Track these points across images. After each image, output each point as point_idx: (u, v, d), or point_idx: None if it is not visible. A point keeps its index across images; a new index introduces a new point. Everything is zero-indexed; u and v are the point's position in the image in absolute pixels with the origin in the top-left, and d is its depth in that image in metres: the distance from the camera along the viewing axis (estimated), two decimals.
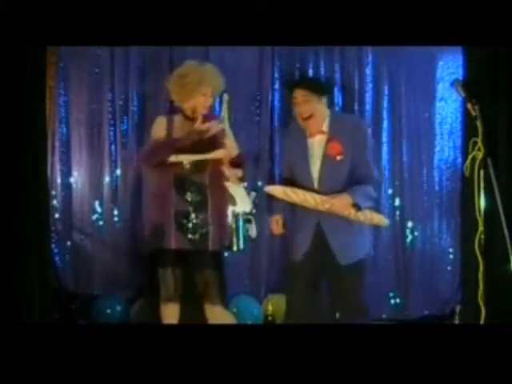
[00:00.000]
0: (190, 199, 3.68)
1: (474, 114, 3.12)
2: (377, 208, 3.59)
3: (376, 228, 5.06)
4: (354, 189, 3.36)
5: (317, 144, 3.50)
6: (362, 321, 3.48)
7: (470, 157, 3.13)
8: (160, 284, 3.73)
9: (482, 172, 3.05)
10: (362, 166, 3.46)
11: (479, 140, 3.06)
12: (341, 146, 3.42)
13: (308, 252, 3.50)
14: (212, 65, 3.85)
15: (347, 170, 3.45)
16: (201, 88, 3.64)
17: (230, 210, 4.83)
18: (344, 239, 3.44)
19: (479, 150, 3.05)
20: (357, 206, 3.36)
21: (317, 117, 3.46)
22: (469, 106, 3.14)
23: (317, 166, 3.48)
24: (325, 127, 3.49)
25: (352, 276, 3.49)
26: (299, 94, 3.46)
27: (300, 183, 3.53)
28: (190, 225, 3.67)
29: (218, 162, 3.73)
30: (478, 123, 3.08)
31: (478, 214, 3.11)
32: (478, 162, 3.07)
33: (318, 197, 3.40)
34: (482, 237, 3.07)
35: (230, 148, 3.76)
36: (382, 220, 3.60)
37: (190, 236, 3.67)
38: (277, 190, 3.53)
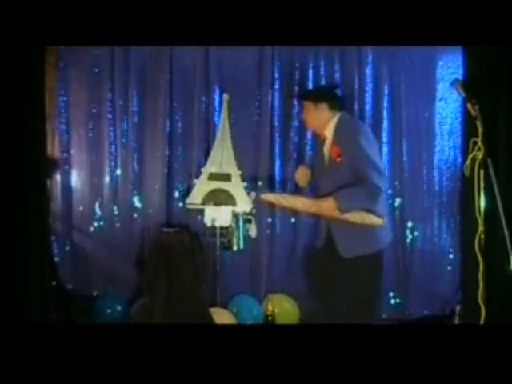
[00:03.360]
0: None
1: (474, 113, 3.12)
2: (371, 209, 3.58)
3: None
4: (339, 192, 3.55)
5: (326, 147, 3.77)
6: (365, 315, 3.58)
7: (470, 157, 3.14)
8: None
9: (481, 172, 3.06)
10: (357, 168, 3.57)
11: (479, 140, 3.06)
12: (340, 148, 3.61)
13: (323, 245, 3.78)
14: None
15: (347, 171, 3.59)
16: None
17: (230, 210, 4.87)
18: (344, 233, 3.61)
19: (479, 149, 3.05)
20: (339, 209, 3.53)
21: (315, 125, 3.76)
22: (469, 105, 3.14)
23: (326, 165, 3.76)
24: (327, 132, 3.73)
25: (356, 270, 3.60)
26: (304, 104, 3.82)
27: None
28: None
29: None
30: (478, 123, 3.08)
31: (477, 213, 3.11)
32: (477, 161, 3.07)
33: (306, 201, 3.71)
34: (482, 237, 3.07)
35: None
36: (374, 220, 3.66)
37: None
38: (270, 197, 3.87)
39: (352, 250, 3.61)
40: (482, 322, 3.15)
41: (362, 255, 3.59)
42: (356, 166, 3.56)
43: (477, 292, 3.16)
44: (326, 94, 3.79)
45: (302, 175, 3.92)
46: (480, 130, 3.09)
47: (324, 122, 3.72)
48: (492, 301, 3.24)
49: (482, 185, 3.09)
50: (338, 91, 4.17)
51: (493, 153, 4.11)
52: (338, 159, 3.63)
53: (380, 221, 3.69)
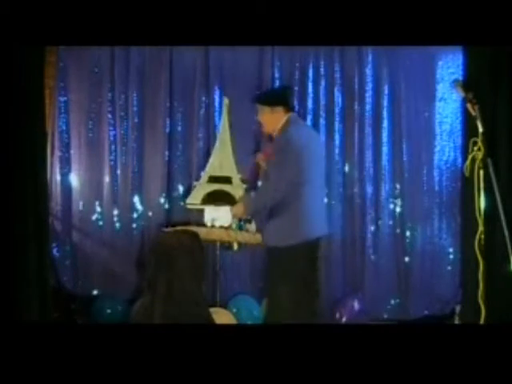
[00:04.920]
0: None
1: (473, 113, 3.12)
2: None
3: (376, 228, 5.11)
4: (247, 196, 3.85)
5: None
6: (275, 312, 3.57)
7: (470, 157, 3.13)
8: None
9: (481, 172, 3.05)
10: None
11: (479, 140, 3.06)
12: (271, 149, 3.65)
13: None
14: None
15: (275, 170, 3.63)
16: None
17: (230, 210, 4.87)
18: (267, 223, 3.66)
19: (479, 150, 3.05)
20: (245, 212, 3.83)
21: (267, 126, 3.76)
22: (468, 105, 3.14)
23: None
24: (274, 133, 3.74)
25: (270, 259, 3.63)
26: (258, 107, 3.79)
27: None
28: None
29: None
30: (478, 123, 3.08)
31: (477, 213, 3.10)
32: (477, 162, 3.07)
33: None
34: (482, 237, 3.07)
35: None
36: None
37: None
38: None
39: (272, 239, 3.62)
40: (481, 321, 3.14)
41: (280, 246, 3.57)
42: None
43: (477, 292, 3.15)
44: (280, 97, 3.78)
45: (236, 207, 3.92)
46: (480, 129, 3.08)
47: (273, 124, 3.72)
48: (492, 301, 3.24)
49: (481, 185, 3.08)
50: (291, 92, 4.21)
51: (493, 153, 4.12)
52: (270, 158, 3.66)
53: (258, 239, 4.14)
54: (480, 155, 3.05)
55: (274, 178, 3.58)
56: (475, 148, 3.08)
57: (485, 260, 3.09)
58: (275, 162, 3.57)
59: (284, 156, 3.54)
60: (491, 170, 3.03)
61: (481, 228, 3.07)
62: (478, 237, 3.08)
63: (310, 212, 3.62)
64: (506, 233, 3.02)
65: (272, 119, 3.72)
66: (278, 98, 3.81)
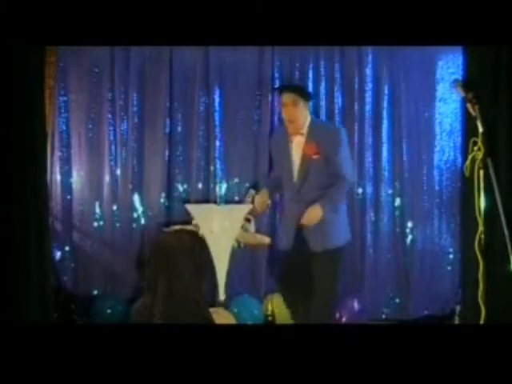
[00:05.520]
0: None
1: (473, 114, 3.12)
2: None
3: (376, 228, 5.11)
4: (324, 199, 3.66)
5: (296, 144, 3.78)
6: (324, 311, 3.66)
7: (470, 157, 3.14)
8: None
9: (481, 172, 3.05)
10: (334, 165, 3.69)
11: (479, 140, 3.06)
12: (316, 146, 3.68)
13: (292, 243, 3.78)
14: None
15: (323, 168, 3.70)
16: None
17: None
18: (317, 227, 3.65)
19: (479, 149, 3.05)
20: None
21: (300, 120, 3.74)
22: (468, 105, 3.15)
23: (296, 164, 3.77)
24: (304, 130, 3.76)
25: (325, 263, 3.67)
26: (288, 97, 3.73)
27: (282, 178, 3.89)
28: None
29: None
30: (478, 123, 3.08)
31: (477, 213, 3.10)
32: (477, 162, 3.07)
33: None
34: (482, 237, 3.07)
35: None
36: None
37: None
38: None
39: (323, 244, 3.67)
40: (481, 321, 3.15)
41: (330, 249, 3.68)
42: (334, 164, 3.68)
43: (477, 292, 3.16)
44: (313, 96, 3.88)
45: (262, 201, 3.93)
46: (480, 129, 3.09)
47: (305, 120, 3.76)
48: (492, 301, 3.24)
49: (481, 185, 3.09)
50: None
51: (493, 153, 4.12)
52: (314, 156, 3.69)
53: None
54: (480, 155, 3.06)
55: (343, 171, 3.67)
56: (475, 148, 3.08)
57: (485, 260, 3.10)
58: (335, 155, 3.65)
59: (344, 148, 3.72)
60: (491, 170, 3.03)
61: (481, 228, 3.07)
62: (478, 237, 3.08)
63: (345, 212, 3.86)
64: (506, 232, 3.02)
65: (304, 115, 3.75)
66: (307, 93, 3.95)
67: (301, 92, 3.81)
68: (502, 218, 3.04)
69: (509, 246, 3.04)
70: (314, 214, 3.62)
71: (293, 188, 3.80)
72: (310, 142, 3.71)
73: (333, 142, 3.71)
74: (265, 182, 4.26)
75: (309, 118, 3.79)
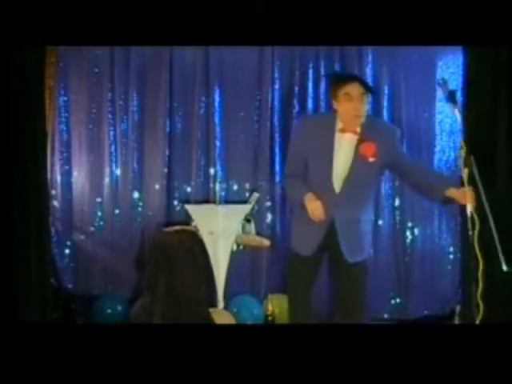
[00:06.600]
0: None
1: (455, 114, 3.14)
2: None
3: (376, 228, 5.10)
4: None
5: (347, 141, 3.39)
6: (357, 320, 3.49)
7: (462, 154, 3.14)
8: None
9: (465, 170, 3.06)
10: (396, 167, 3.50)
11: (462, 139, 3.08)
12: (376, 148, 3.35)
13: (318, 248, 3.46)
14: None
15: (376, 172, 3.47)
16: None
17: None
18: (354, 238, 3.44)
19: (462, 148, 3.06)
20: None
21: (363, 116, 3.37)
22: (451, 105, 3.15)
23: (341, 162, 3.39)
24: (358, 127, 3.40)
25: (358, 274, 3.50)
26: (356, 89, 3.33)
27: (314, 177, 3.45)
28: None
29: None
30: (461, 123, 3.10)
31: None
32: (461, 160, 3.07)
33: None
34: (476, 233, 3.07)
35: None
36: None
37: None
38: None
39: (358, 255, 3.48)
40: (481, 321, 3.14)
41: (364, 259, 3.53)
42: (393, 166, 3.48)
43: (477, 292, 3.15)
44: (372, 87, 3.55)
45: (318, 208, 3.33)
46: (462, 129, 3.11)
47: (364, 114, 3.39)
48: (492, 301, 3.24)
49: (465, 182, 3.10)
50: None
51: (493, 153, 4.13)
52: (371, 158, 3.34)
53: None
54: (463, 154, 3.07)
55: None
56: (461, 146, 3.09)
57: (484, 260, 3.09)
58: (398, 149, 3.48)
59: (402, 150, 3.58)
60: (474, 168, 3.04)
61: (477, 227, 3.07)
62: (474, 234, 3.07)
63: None
64: (494, 231, 3.02)
65: (364, 106, 3.37)
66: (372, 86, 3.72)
67: (367, 84, 3.47)
68: (489, 215, 3.04)
69: (497, 243, 3.03)
70: (467, 195, 3.10)
71: (331, 190, 3.38)
72: (368, 142, 3.35)
73: (390, 143, 3.40)
74: (294, 181, 3.54)
75: (365, 115, 3.41)
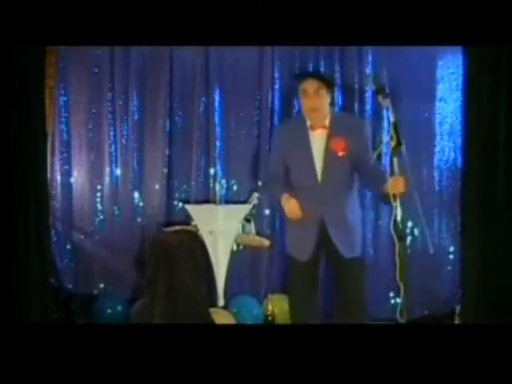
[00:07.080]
0: None
1: (385, 105, 3.20)
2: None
3: (376, 228, 5.10)
4: None
5: (318, 138, 3.55)
6: (359, 317, 3.55)
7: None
8: None
9: (395, 160, 3.13)
10: (364, 163, 3.51)
11: (391, 129, 3.13)
12: (344, 142, 3.48)
13: (314, 250, 3.55)
14: None
15: (348, 166, 3.52)
16: None
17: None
18: (345, 232, 3.53)
19: (391, 138, 3.13)
20: None
21: (323, 110, 3.52)
22: (380, 97, 3.21)
23: (319, 159, 3.52)
24: (327, 122, 3.55)
25: (356, 270, 3.57)
26: (311, 85, 3.50)
27: (297, 178, 3.59)
28: None
29: None
30: (390, 114, 3.15)
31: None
32: (390, 149, 3.14)
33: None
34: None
35: None
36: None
37: None
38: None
39: (353, 250, 3.58)
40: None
41: (359, 255, 3.62)
42: (364, 162, 3.51)
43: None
44: (331, 81, 3.69)
45: (294, 207, 3.46)
46: (391, 119, 3.17)
47: (328, 111, 3.56)
48: (492, 301, 3.24)
49: (396, 171, 3.16)
50: None
51: (493, 153, 4.13)
52: (341, 153, 3.47)
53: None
54: (392, 143, 3.13)
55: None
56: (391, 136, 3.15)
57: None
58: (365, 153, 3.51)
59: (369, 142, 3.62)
60: (403, 157, 3.12)
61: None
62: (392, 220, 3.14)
63: None
64: (399, 218, 3.08)
65: (327, 105, 3.53)
66: (333, 82, 3.88)
67: (324, 79, 3.58)
68: (418, 203, 3.13)
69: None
70: (400, 182, 3.25)
71: (315, 188, 3.50)
72: (336, 137, 3.49)
73: (359, 137, 3.52)
74: (274, 185, 3.69)
75: (331, 111, 3.59)
